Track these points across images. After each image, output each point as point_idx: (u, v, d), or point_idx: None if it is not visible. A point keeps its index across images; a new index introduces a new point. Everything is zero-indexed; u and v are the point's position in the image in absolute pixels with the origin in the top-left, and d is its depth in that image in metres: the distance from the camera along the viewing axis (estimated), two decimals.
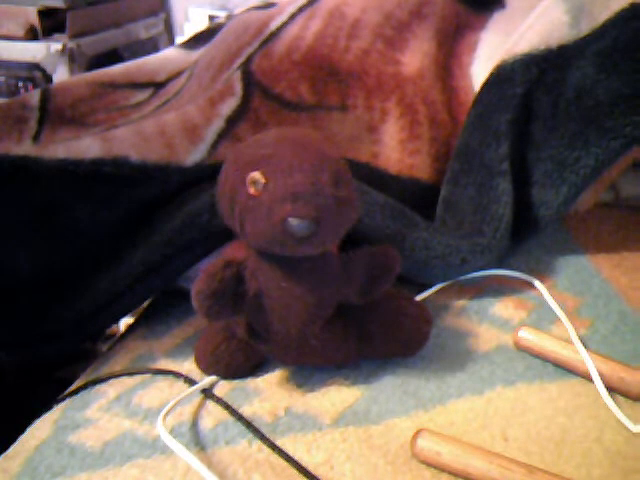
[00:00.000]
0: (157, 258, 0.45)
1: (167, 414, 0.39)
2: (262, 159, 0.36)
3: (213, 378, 0.43)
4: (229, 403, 0.41)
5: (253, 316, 0.40)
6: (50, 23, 1.38)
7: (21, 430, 0.40)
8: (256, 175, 0.35)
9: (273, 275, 0.39)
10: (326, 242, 0.37)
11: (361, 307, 0.43)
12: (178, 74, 0.72)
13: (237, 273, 0.39)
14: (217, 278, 0.38)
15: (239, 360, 0.43)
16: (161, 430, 0.37)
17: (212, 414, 0.40)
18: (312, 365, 0.44)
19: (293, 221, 0.35)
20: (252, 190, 0.36)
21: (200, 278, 0.38)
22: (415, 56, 0.62)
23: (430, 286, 0.51)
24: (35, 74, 1.39)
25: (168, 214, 0.48)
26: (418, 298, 0.50)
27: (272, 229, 0.35)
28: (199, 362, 0.44)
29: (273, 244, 0.36)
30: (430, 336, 0.44)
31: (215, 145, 0.52)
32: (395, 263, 0.42)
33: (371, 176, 0.55)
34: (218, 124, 0.53)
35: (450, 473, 0.36)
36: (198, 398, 0.42)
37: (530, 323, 0.48)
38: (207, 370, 0.43)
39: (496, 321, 0.49)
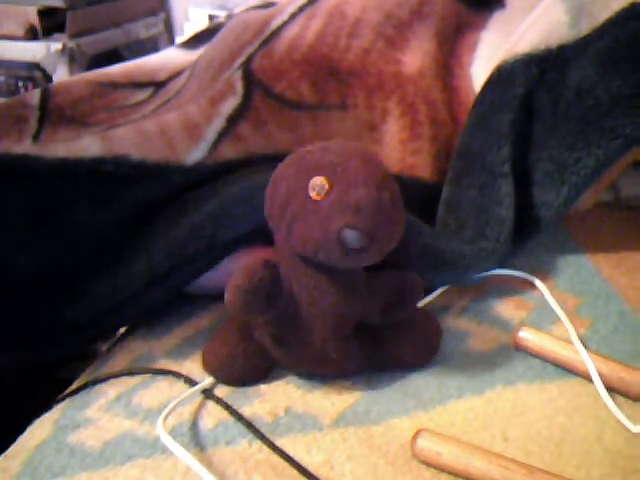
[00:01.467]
0: (161, 270, 0.45)
1: (167, 415, 0.39)
2: (328, 166, 0.37)
3: (215, 379, 0.43)
4: (229, 403, 0.41)
5: (279, 319, 0.40)
6: (50, 23, 1.38)
7: (21, 430, 0.40)
8: (321, 180, 0.36)
9: (306, 282, 0.39)
10: (372, 259, 0.38)
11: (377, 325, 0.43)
12: (178, 74, 0.72)
13: (274, 274, 0.39)
14: (258, 275, 0.38)
15: (255, 363, 0.43)
16: (161, 432, 0.37)
17: (212, 414, 0.40)
18: (323, 375, 0.44)
19: (349, 232, 0.35)
20: (314, 194, 0.36)
21: (239, 273, 0.38)
22: (416, 55, 0.62)
23: (431, 290, 0.51)
24: (35, 74, 1.39)
25: (170, 217, 0.48)
26: (421, 303, 0.49)
27: (326, 235, 0.36)
28: (209, 364, 0.43)
29: (320, 251, 0.36)
30: (439, 349, 0.45)
31: (216, 144, 0.52)
32: (418, 290, 0.43)
33: None
34: (219, 123, 0.53)
35: (450, 473, 0.36)
36: (198, 398, 0.42)
37: (530, 323, 0.48)
38: (217, 373, 0.43)
39: (496, 321, 0.49)
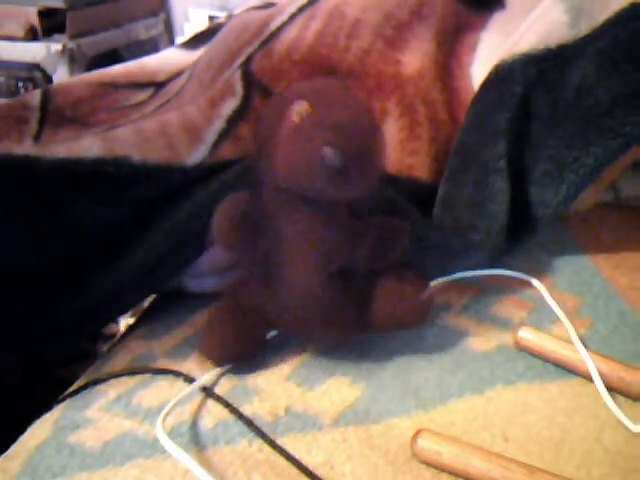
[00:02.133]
0: (160, 252, 0.46)
1: (167, 415, 0.39)
2: (310, 93, 0.38)
3: (213, 375, 0.43)
4: (229, 402, 0.41)
5: (265, 257, 0.41)
6: (50, 23, 1.38)
7: (21, 430, 0.40)
8: (302, 104, 0.36)
9: (292, 218, 0.40)
10: (352, 186, 0.38)
11: (362, 275, 0.43)
12: (178, 74, 0.72)
13: (259, 208, 0.40)
14: (241, 205, 0.39)
15: (246, 329, 0.43)
16: (160, 434, 0.37)
17: (212, 413, 0.40)
18: (315, 332, 0.43)
19: (329, 150, 0.35)
20: (296, 118, 0.36)
21: (223, 203, 0.39)
22: (415, 56, 0.62)
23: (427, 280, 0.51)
24: (35, 74, 1.39)
25: (169, 214, 0.48)
26: None
27: (307, 155, 0.36)
28: (205, 347, 0.43)
29: (303, 175, 0.37)
30: (432, 311, 0.44)
31: (216, 145, 0.52)
32: (404, 235, 0.43)
33: None
34: (219, 124, 0.54)
35: (450, 473, 0.36)
36: (198, 397, 0.42)
37: (530, 323, 0.48)
38: (213, 354, 0.43)
39: (496, 321, 0.49)
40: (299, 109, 0.36)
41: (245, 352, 0.44)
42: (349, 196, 0.39)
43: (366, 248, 0.42)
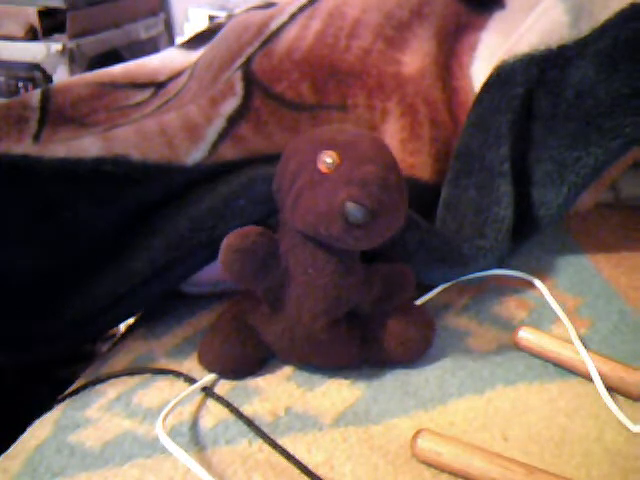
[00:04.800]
0: (160, 263, 0.45)
1: (167, 415, 0.39)
2: (339, 143, 0.38)
3: (213, 376, 0.43)
4: (229, 402, 0.41)
5: (273, 292, 0.41)
6: (50, 23, 1.38)
7: (21, 430, 0.40)
8: (331, 154, 0.37)
9: (303, 259, 0.40)
10: (371, 241, 0.38)
11: (368, 315, 0.43)
12: (178, 74, 0.72)
13: (270, 244, 0.40)
14: (250, 238, 0.39)
15: (248, 350, 0.43)
16: (160, 433, 0.37)
17: (212, 413, 0.40)
18: (314, 364, 0.44)
19: (353, 205, 0.35)
20: (323, 167, 0.37)
21: (233, 233, 0.39)
22: (416, 56, 0.62)
23: (431, 288, 0.51)
24: (35, 74, 1.39)
25: (170, 215, 0.48)
26: (420, 300, 0.49)
27: (330, 207, 0.36)
28: (204, 357, 0.44)
29: (322, 224, 0.37)
30: (433, 342, 0.45)
31: (216, 145, 0.52)
32: (409, 282, 0.43)
33: None
34: (219, 124, 0.53)
35: (450, 473, 0.36)
36: (198, 397, 0.42)
37: (530, 323, 0.48)
38: (211, 365, 0.43)
39: (496, 321, 0.49)
40: (328, 159, 0.37)
41: (243, 368, 0.43)
42: (366, 248, 0.39)
43: (373, 294, 0.42)
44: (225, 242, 0.39)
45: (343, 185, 0.36)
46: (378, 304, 0.42)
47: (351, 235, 0.37)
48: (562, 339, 0.45)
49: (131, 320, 0.54)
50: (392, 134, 0.58)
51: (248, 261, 0.39)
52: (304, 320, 0.40)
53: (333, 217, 0.36)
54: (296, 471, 0.36)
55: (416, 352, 0.44)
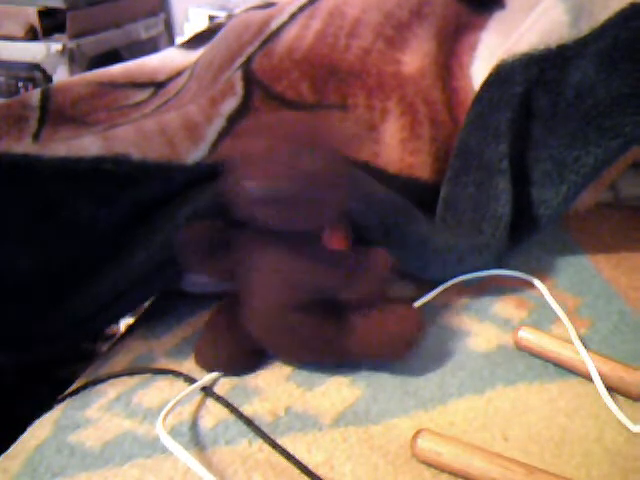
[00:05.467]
0: (160, 257, 0.45)
1: (167, 415, 0.39)
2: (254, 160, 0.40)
3: (213, 376, 0.43)
4: (229, 402, 0.41)
5: (241, 284, 0.42)
6: (50, 23, 1.38)
7: (21, 430, 0.40)
8: (252, 185, 0.39)
9: (264, 249, 0.41)
10: (297, 212, 0.39)
11: (344, 304, 0.43)
12: (178, 74, 0.72)
13: (222, 233, 0.42)
14: (200, 231, 0.43)
15: (243, 348, 0.43)
16: (161, 432, 0.37)
17: (212, 413, 0.40)
18: (296, 360, 0.44)
19: (247, 183, 0.37)
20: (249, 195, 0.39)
21: (184, 229, 0.44)
22: (416, 56, 0.62)
23: (431, 288, 0.51)
24: (35, 74, 1.39)
25: (170, 213, 0.48)
26: (420, 301, 0.49)
27: (235, 195, 0.38)
28: (200, 356, 0.44)
29: (239, 210, 0.39)
30: (418, 342, 0.43)
31: (216, 144, 0.52)
32: (383, 265, 0.42)
33: (371, 175, 0.55)
34: (219, 123, 0.54)
35: (450, 473, 0.36)
36: (198, 397, 0.42)
37: (530, 323, 0.48)
38: (208, 364, 0.43)
39: (496, 321, 0.49)
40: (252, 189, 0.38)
41: (240, 364, 0.44)
42: (296, 228, 0.40)
43: (340, 278, 0.41)
44: (178, 237, 0.43)
45: (237, 172, 0.38)
46: (349, 289, 0.42)
47: (264, 210, 0.38)
48: (562, 339, 0.45)
49: (131, 320, 0.54)
50: (392, 134, 0.58)
51: (201, 252, 0.42)
52: (261, 308, 0.41)
53: (237, 197, 0.38)
54: (296, 471, 0.36)
55: (394, 349, 0.42)
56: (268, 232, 0.40)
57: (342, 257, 0.42)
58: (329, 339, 0.42)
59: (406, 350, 0.43)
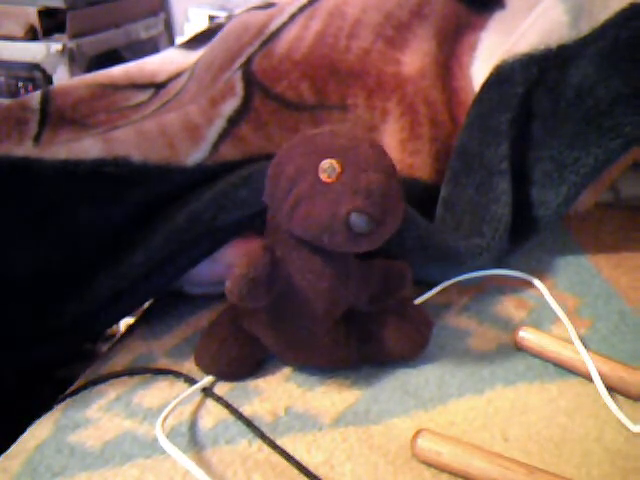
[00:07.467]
0: (160, 256, 0.45)
1: (167, 416, 0.39)
2: (338, 149, 0.37)
3: (213, 377, 0.43)
4: (229, 402, 0.41)
5: (273, 303, 0.40)
6: (50, 23, 1.38)
7: (21, 430, 0.40)
8: (332, 162, 0.36)
9: (301, 265, 0.39)
10: (373, 244, 0.38)
11: (365, 313, 0.43)
12: (178, 74, 0.72)
13: (272, 260, 0.39)
14: (260, 262, 0.38)
15: (245, 353, 0.43)
16: (159, 435, 0.37)
17: (212, 413, 0.40)
18: (314, 365, 0.44)
19: (359, 216, 0.35)
20: (324, 176, 0.36)
21: (242, 262, 0.38)
22: (416, 56, 0.62)
23: (430, 287, 0.51)
24: (35, 74, 1.39)
25: (170, 215, 0.48)
26: (419, 300, 0.50)
27: (333, 218, 0.36)
28: (201, 359, 0.44)
29: (325, 234, 0.36)
30: (430, 340, 0.45)
31: (216, 145, 0.52)
32: (406, 279, 0.43)
33: None
34: (219, 124, 0.53)
35: (450, 473, 0.36)
36: (198, 397, 0.42)
37: (530, 323, 0.48)
38: (208, 368, 0.43)
39: (496, 321, 0.49)
40: (328, 168, 0.36)
41: (241, 370, 0.44)
42: (366, 250, 0.39)
43: (369, 291, 0.42)
44: (237, 273, 0.37)
45: (346, 195, 0.36)
46: (375, 301, 0.42)
47: (355, 243, 0.37)
48: (562, 339, 0.45)
49: (131, 320, 0.54)
50: (392, 134, 0.58)
51: (259, 286, 0.38)
52: (305, 324, 0.40)
53: (337, 227, 0.36)
54: (296, 471, 0.36)
55: (413, 350, 0.44)
56: (307, 247, 0.39)
57: (371, 270, 0.42)
58: (354, 348, 0.43)
59: (422, 350, 0.44)
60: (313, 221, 0.36)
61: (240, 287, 0.38)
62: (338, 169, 0.36)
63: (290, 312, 0.40)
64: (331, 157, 0.36)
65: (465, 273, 0.51)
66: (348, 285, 0.41)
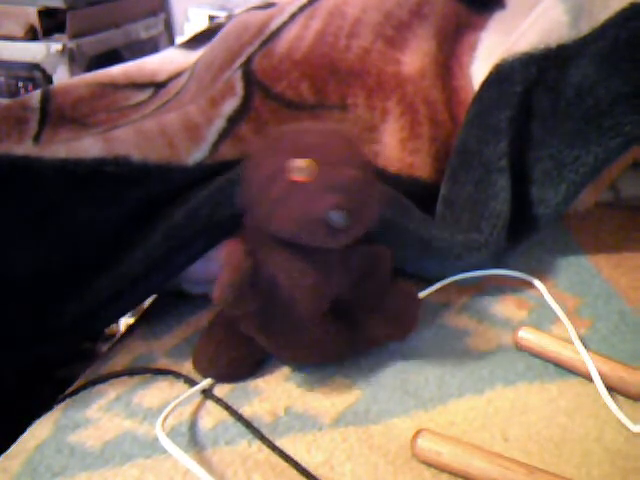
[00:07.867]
0: (159, 254, 0.45)
1: (167, 416, 0.39)
2: (309, 148, 0.37)
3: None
4: (229, 403, 0.41)
5: (261, 307, 0.40)
6: (50, 23, 1.38)
7: (21, 430, 0.40)
8: (303, 162, 0.36)
9: (284, 265, 0.39)
10: (354, 236, 0.38)
11: (350, 299, 0.43)
12: (178, 74, 0.72)
13: (254, 261, 0.39)
14: (243, 268, 0.38)
15: (241, 355, 0.43)
16: (160, 434, 0.37)
17: (212, 414, 0.40)
18: (309, 362, 0.44)
19: (336, 212, 0.35)
20: (296, 176, 0.36)
21: (226, 270, 0.38)
22: (415, 55, 0.62)
23: (429, 284, 0.51)
24: (35, 74, 1.39)
25: (169, 214, 0.48)
26: (420, 296, 0.49)
27: (310, 217, 0.36)
28: (198, 362, 0.44)
29: (304, 232, 0.37)
30: (419, 314, 0.44)
31: (216, 145, 0.52)
32: (386, 263, 0.43)
33: None
34: (219, 124, 0.54)
35: (450, 473, 0.36)
36: (198, 398, 0.42)
37: (530, 323, 0.48)
38: (206, 371, 0.43)
39: (496, 321, 0.49)
40: (302, 167, 0.36)
41: (239, 372, 0.43)
42: (345, 243, 0.39)
43: (351, 278, 0.42)
44: (221, 282, 0.38)
45: (321, 193, 0.36)
46: (358, 287, 0.42)
47: (334, 238, 0.37)
48: (562, 339, 0.45)
49: (131, 320, 0.54)
50: (392, 133, 0.58)
51: (246, 292, 0.38)
52: (295, 322, 0.40)
53: (317, 225, 0.36)
54: (296, 471, 0.36)
55: (402, 327, 0.44)
56: (288, 245, 0.39)
57: (350, 255, 0.42)
58: (344, 337, 0.42)
59: (413, 326, 0.44)
60: (291, 220, 0.37)
61: (226, 295, 0.38)
62: (310, 168, 0.36)
63: (279, 312, 0.40)
64: (301, 156, 0.36)
65: (463, 270, 0.51)
66: (331, 277, 0.41)
